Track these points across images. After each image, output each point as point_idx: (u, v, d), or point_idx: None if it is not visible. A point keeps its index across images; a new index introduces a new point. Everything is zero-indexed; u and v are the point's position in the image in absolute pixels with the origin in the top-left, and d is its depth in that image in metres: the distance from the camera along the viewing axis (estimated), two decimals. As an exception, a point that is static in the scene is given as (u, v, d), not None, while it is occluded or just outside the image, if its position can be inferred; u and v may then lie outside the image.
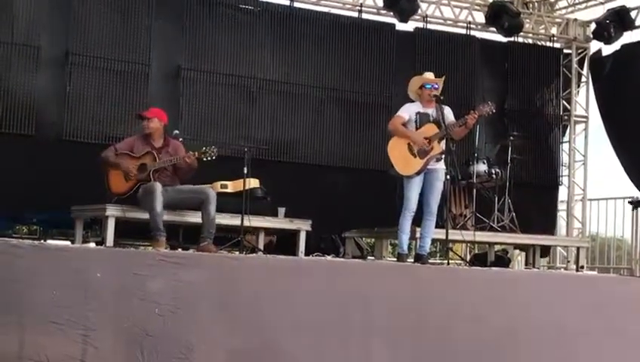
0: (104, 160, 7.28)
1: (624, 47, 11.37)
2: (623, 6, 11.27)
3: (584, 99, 12.18)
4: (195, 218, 7.13)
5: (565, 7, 12.31)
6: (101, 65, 9.30)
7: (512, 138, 9.33)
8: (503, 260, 9.78)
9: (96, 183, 7.39)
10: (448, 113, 7.34)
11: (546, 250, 10.74)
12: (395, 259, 7.93)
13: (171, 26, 9.86)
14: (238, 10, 10.18)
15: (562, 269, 11.04)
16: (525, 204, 10.35)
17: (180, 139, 7.40)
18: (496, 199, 9.14)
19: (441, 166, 7.30)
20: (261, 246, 7.96)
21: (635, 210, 10.02)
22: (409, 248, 7.65)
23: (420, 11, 11.07)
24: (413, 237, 7.55)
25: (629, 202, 10.34)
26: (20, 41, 8.94)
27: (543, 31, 12.22)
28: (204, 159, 7.17)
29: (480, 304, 5.83)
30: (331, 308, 5.32)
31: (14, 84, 8.90)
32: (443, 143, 7.26)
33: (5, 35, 8.86)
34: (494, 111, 7.43)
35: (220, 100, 9.95)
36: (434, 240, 7.79)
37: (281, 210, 8.24)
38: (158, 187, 6.89)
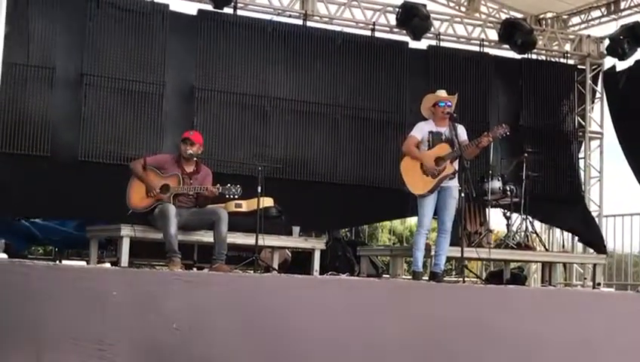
0: (131, 170, 7.22)
1: (638, 62, 11.33)
2: (637, 22, 11.23)
3: (599, 115, 12.13)
4: (209, 238, 7.12)
5: (579, 24, 12.29)
6: (116, 85, 9.35)
7: (526, 154, 9.29)
8: (519, 278, 9.73)
9: (112, 203, 7.41)
10: (462, 132, 7.29)
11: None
12: (410, 277, 7.90)
13: (185, 46, 9.90)
14: (251, 29, 10.22)
15: (579, 286, 10.97)
16: (551, 219, 10.28)
17: (195, 159, 7.34)
18: (512, 216, 9.10)
19: (454, 184, 7.26)
20: (275, 265, 7.95)
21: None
22: (424, 266, 7.61)
23: (432, 29, 11.07)
24: (427, 254, 7.52)
25: None
26: (35, 63, 9.00)
27: (556, 47, 12.20)
28: (227, 195, 7.13)
29: (496, 322, 5.78)
30: (347, 327, 5.29)
31: (30, 106, 8.95)
32: (456, 162, 7.21)
33: (21, 56, 8.89)
34: (508, 133, 7.37)
35: (233, 119, 9.97)
36: (449, 258, 7.75)
37: (296, 229, 8.24)
38: (173, 210, 6.85)
